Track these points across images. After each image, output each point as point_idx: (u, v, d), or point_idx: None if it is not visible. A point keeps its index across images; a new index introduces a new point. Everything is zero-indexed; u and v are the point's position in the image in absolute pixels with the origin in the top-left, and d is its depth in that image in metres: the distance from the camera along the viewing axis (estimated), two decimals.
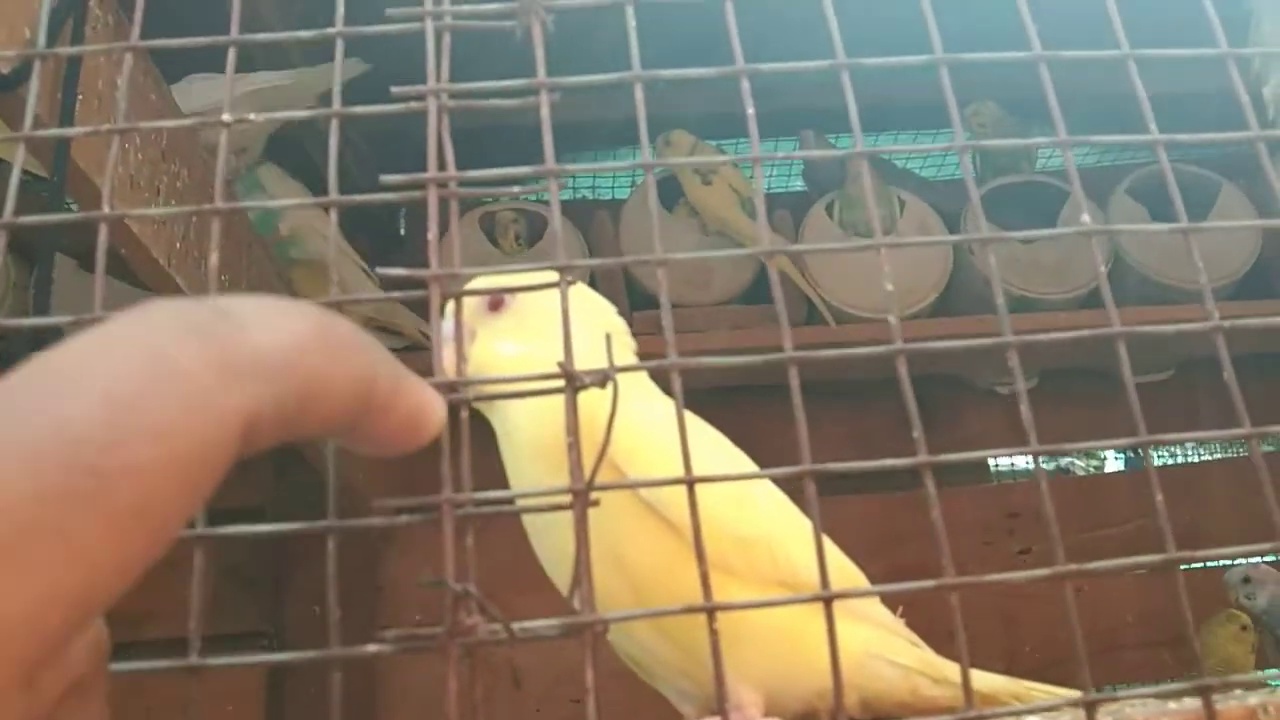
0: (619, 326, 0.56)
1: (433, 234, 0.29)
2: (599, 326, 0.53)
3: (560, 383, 0.27)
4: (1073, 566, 0.26)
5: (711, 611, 0.25)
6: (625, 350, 0.53)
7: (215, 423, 0.20)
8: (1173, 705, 0.28)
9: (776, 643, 0.44)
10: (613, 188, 1.67)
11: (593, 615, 0.25)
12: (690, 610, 0.25)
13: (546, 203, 0.29)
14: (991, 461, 1.72)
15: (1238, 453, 1.89)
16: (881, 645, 0.50)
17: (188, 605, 0.24)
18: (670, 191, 1.43)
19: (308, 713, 1.30)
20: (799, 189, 1.67)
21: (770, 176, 1.68)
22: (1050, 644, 1.42)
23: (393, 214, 1.58)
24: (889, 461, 0.28)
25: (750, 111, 0.32)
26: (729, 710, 0.46)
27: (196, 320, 0.21)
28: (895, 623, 0.51)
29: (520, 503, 0.30)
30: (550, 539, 0.49)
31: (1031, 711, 0.28)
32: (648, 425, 0.44)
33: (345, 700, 0.24)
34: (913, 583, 0.27)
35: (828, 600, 0.25)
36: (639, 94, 0.32)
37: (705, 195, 1.31)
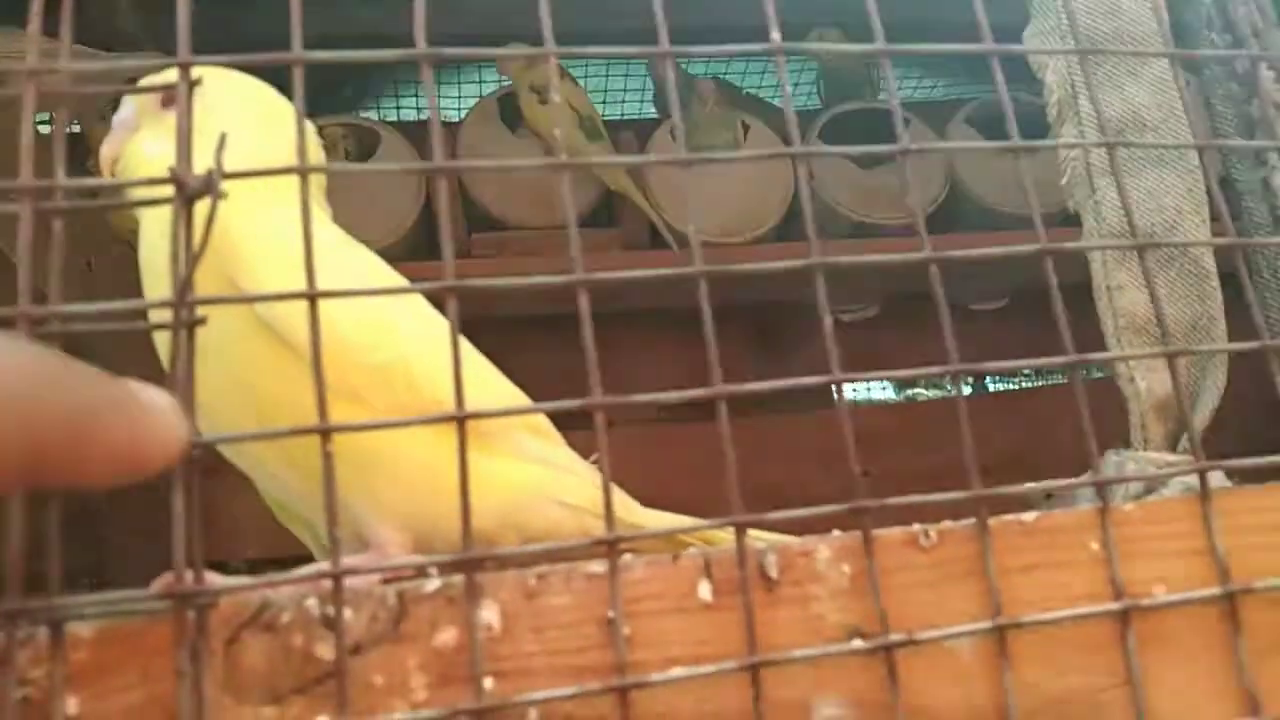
0: (302, 128, 0.48)
1: (34, 28, 0.25)
2: (274, 128, 0.46)
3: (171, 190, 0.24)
4: None
5: (326, 433, 0.23)
6: (313, 154, 0.45)
7: None
8: (836, 532, 0.27)
9: (419, 477, 0.41)
10: (458, 109, 1.62)
11: (195, 436, 0.23)
12: (300, 431, 0.23)
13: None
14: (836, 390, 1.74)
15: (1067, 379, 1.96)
16: (555, 487, 0.46)
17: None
18: (516, 111, 1.39)
19: None
20: (650, 115, 1.65)
21: (622, 101, 1.66)
22: None
23: None
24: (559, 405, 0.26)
25: None
26: (369, 546, 0.44)
27: None
28: (578, 464, 0.48)
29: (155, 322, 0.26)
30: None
31: (680, 529, 0.27)
32: (276, 237, 0.39)
33: None
34: (559, 402, 0.25)
35: (460, 420, 0.23)
36: None
37: (542, 115, 1.27)
